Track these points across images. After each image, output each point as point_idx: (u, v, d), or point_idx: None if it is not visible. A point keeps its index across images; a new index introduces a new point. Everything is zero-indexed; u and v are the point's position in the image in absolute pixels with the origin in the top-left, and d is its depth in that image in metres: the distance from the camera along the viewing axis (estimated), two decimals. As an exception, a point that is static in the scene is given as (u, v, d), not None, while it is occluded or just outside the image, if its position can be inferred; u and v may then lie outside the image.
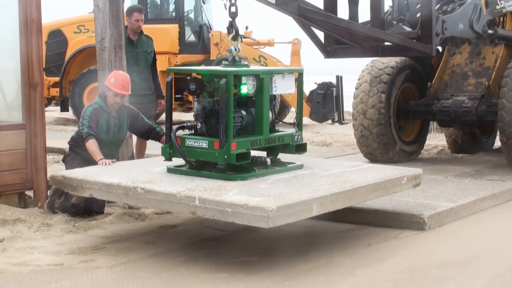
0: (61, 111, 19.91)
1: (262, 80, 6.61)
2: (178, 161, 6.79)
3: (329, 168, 7.12)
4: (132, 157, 8.81)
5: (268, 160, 6.86)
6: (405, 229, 7.19)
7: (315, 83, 17.08)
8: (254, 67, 7.08)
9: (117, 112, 7.86)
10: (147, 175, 6.62)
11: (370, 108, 11.26)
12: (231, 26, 6.94)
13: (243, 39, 19.13)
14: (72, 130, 16.88)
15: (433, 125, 15.28)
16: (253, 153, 6.83)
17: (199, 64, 19.32)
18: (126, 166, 7.30)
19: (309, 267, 5.96)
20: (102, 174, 6.71)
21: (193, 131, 6.73)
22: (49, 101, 20.34)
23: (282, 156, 7.12)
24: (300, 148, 7.05)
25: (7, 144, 7.92)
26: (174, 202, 5.93)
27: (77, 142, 7.88)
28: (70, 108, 19.36)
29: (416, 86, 11.95)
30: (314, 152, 13.18)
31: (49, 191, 8.00)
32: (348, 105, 14.03)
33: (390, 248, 6.58)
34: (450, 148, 13.15)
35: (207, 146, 6.46)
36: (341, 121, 17.18)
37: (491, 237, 7.10)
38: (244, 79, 6.49)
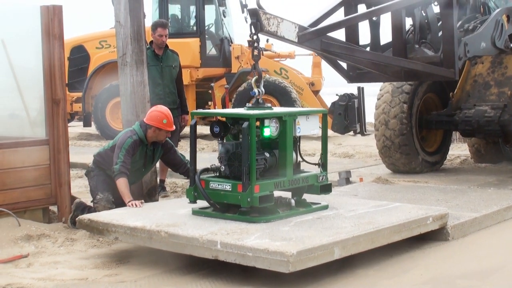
0: (84, 126, 20.07)
1: (285, 122, 6.62)
2: (203, 203, 6.82)
3: (354, 209, 7.07)
4: (155, 172, 8.85)
5: (293, 201, 6.86)
6: (428, 240, 7.15)
7: (337, 94, 17.09)
8: (278, 108, 7.06)
9: (153, 144, 7.95)
10: (171, 217, 6.68)
11: (392, 118, 11.24)
12: (254, 68, 6.95)
13: (264, 52, 19.21)
14: (95, 146, 17.01)
15: (456, 135, 15.22)
16: (279, 193, 6.83)
17: (221, 77, 19.40)
18: (152, 208, 7.34)
19: (331, 278, 5.94)
20: (127, 217, 6.75)
21: (217, 173, 6.76)
22: (72, 116, 20.53)
23: (309, 196, 7.12)
24: (325, 188, 7.04)
25: (31, 160, 8.00)
26: (196, 246, 5.97)
27: (104, 159, 7.95)
28: (93, 123, 19.50)
29: (438, 96, 11.92)
30: (337, 163, 13.16)
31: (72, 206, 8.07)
32: (370, 116, 14.01)
33: (413, 259, 6.55)
34: (473, 157, 13.09)
35: (230, 189, 6.49)
36: (363, 132, 17.19)
37: (516, 247, 7.06)
38: (266, 122, 6.53)
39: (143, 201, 7.59)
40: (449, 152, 12.59)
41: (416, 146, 11.33)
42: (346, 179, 10.59)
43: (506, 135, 11.79)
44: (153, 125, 7.79)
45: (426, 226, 6.85)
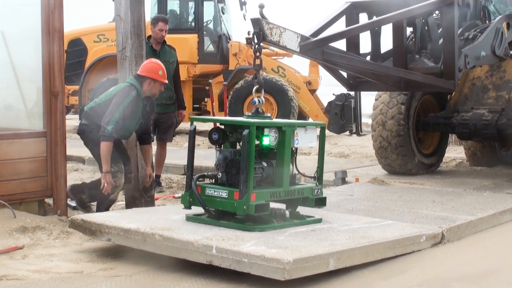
0: (80, 119, 20.01)
1: (284, 133, 6.64)
2: (197, 209, 6.82)
3: (348, 224, 7.06)
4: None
5: (287, 212, 6.86)
6: (424, 242, 7.16)
7: (333, 94, 17.08)
8: (277, 119, 7.12)
9: (146, 98, 7.99)
10: (165, 222, 6.67)
11: (389, 119, 11.25)
12: (255, 78, 6.97)
13: (262, 50, 19.21)
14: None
15: (452, 137, 15.24)
16: (273, 205, 6.83)
17: (218, 73, 19.39)
18: (146, 212, 7.35)
19: (326, 278, 5.94)
20: (121, 219, 6.75)
21: (213, 181, 6.77)
22: (68, 109, 20.50)
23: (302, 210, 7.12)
24: (320, 202, 7.03)
25: (28, 152, 7.99)
26: (191, 251, 5.95)
27: (98, 114, 7.88)
28: (89, 116, 19.45)
29: (435, 98, 11.93)
30: (332, 163, 13.17)
31: (68, 199, 8.08)
32: (366, 117, 14.00)
33: (408, 261, 6.55)
34: (469, 161, 13.11)
35: (226, 196, 6.49)
36: (359, 132, 17.16)
37: (511, 251, 7.06)
38: (266, 131, 6.54)
39: (114, 182, 7.69)
40: (445, 155, 12.60)
41: (413, 147, 11.34)
42: (342, 178, 10.60)
43: (503, 139, 11.81)
44: (149, 76, 7.77)
45: (419, 244, 6.83)
